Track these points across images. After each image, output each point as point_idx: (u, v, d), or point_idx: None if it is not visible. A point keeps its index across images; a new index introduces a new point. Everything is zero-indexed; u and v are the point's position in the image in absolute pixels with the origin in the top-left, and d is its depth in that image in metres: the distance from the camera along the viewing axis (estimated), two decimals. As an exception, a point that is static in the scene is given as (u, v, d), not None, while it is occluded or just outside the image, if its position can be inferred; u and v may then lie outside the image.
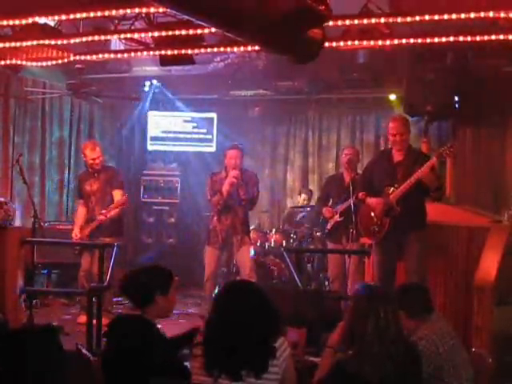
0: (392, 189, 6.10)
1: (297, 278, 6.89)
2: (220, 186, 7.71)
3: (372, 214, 6.21)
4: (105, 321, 7.49)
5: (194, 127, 10.99)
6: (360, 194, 6.51)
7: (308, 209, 9.88)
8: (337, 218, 7.88)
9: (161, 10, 6.38)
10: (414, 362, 3.40)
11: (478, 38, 6.75)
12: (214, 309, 3.42)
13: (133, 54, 8.05)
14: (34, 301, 7.67)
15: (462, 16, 6.16)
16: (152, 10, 6.49)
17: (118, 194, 7.74)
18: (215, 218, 7.83)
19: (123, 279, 4.03)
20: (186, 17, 5.99)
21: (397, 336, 3.30)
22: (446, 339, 3.98)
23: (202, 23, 6.15)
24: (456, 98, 8.69)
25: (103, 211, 7.57)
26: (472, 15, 6.14)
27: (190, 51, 7.44)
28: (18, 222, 8.60)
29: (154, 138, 11.01)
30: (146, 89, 10.84)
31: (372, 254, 6.39)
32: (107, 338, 3.86)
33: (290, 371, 3.36)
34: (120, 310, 8.51)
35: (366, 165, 7.02)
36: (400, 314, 4.00)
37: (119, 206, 7.65)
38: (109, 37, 7.66)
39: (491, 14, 6.09)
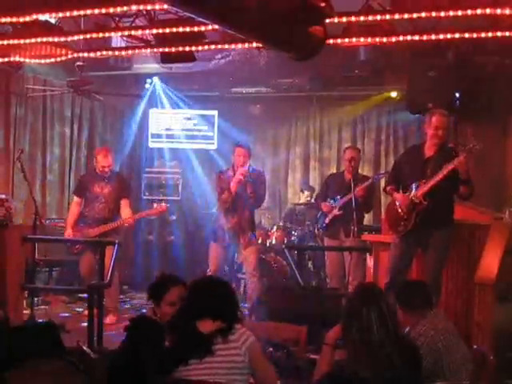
0: (418, 184, 6.03)
1: (298, 276, 6.88)
2: (228, 184, 7.68)
3: (399, 209, 6.15)
4: (113, 318, 7.54)
5: (195, 124, 10.98)
6: (388, 188, 6.45)
7: (309, 206, 9.90)
8: (335, 211, 7.88)
9: (161, 7, 6.37)
10: (410, 361, 3.37)
11: (479, 35, 6.74)
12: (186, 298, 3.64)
13: (133, 52, 8.05)
14: (36, 298, 7.68)
15: (463, 13, 6.15)
16: (153, 7, 6.48)
17: (125, 204, 7.92)
18: (222, 216, 7.80)
19: None
20: (187, 14, 5.99)
21: (384, 336, 3.26)
22: (446, 335, 3.98)
23: (203, 20, 6.14)
24: (457, 95, 8.68)
25: (129, 216, 7.83)
26: (473, 12, 6.13)
27: (190, 48, 7.44)
28: (18, 220, 8.58)
29: (155, 136, 11.00)
30: (147, 86, 10.84)
31: (391, 248, 6.29)
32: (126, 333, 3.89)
33: (258, 360, 3.45)
34: (127, 306, 8.60)
35: (396, 159, 7.00)
36: (398, 311, 4.02)
37: (157, 213, 8.51)
38: (110, 34, 7.67)
39: (492, 10, 6.08)
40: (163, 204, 8.42)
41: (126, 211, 7.89)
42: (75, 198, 8.06)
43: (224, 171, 7.97)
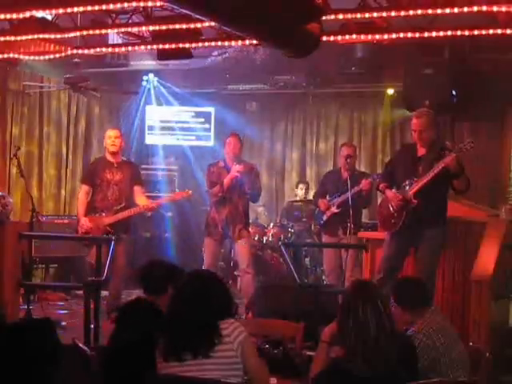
0: (411, 182, 6.01)
1: (294, 273, 6.88)
2: (218, 176, 7.62)
3: (390, 208, 6.13)
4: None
5: (191, 121, 10.98)
6: (381, 186, 6.44)
7: (305, 202, 9.92)
8: (333, 209, 7.86)
9: (158, 3, 6.37)
10: (406, 358, 3.37)
11: (475, 32, 6.74)
12: (175, 296, 3.56)
13: (130, 48, 8.04)
14: (32, 295, 7.66)
15: (460, 10, 6.16)
16: (149, 3, 6.48)
17: (139, 191, 7.64)
18: (213, 208, 7.75)
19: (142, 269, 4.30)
20: (184, 11, 5.99)
21: (380, 333, 3.26)
22: (443, 333, 3.98)
23: (200, 17, 6.14)
24: (454, 93, 8.69)
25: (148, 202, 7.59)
26: (469, 9, 6.14)
27: (187, 45, 7.44)
28: (15, 216, 8.57)
29: (151, 132, 11.01)
30: (144, 83, 10.84)
31: (383, 246, 6.28)
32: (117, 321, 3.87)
33: (249, 356, 3.41)
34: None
35: (390, 158, 6.96)
36: (396, 310, 4.02)
37: (180, 197, 8.08)
38: (106, 31, 7.66)
39: (488, 8, 6.09)
40: (187, 189, 8.08)
41: (141, 199, 7.61)
42: (84, 187, 7.70)
43: (213, 164, 7.85)
